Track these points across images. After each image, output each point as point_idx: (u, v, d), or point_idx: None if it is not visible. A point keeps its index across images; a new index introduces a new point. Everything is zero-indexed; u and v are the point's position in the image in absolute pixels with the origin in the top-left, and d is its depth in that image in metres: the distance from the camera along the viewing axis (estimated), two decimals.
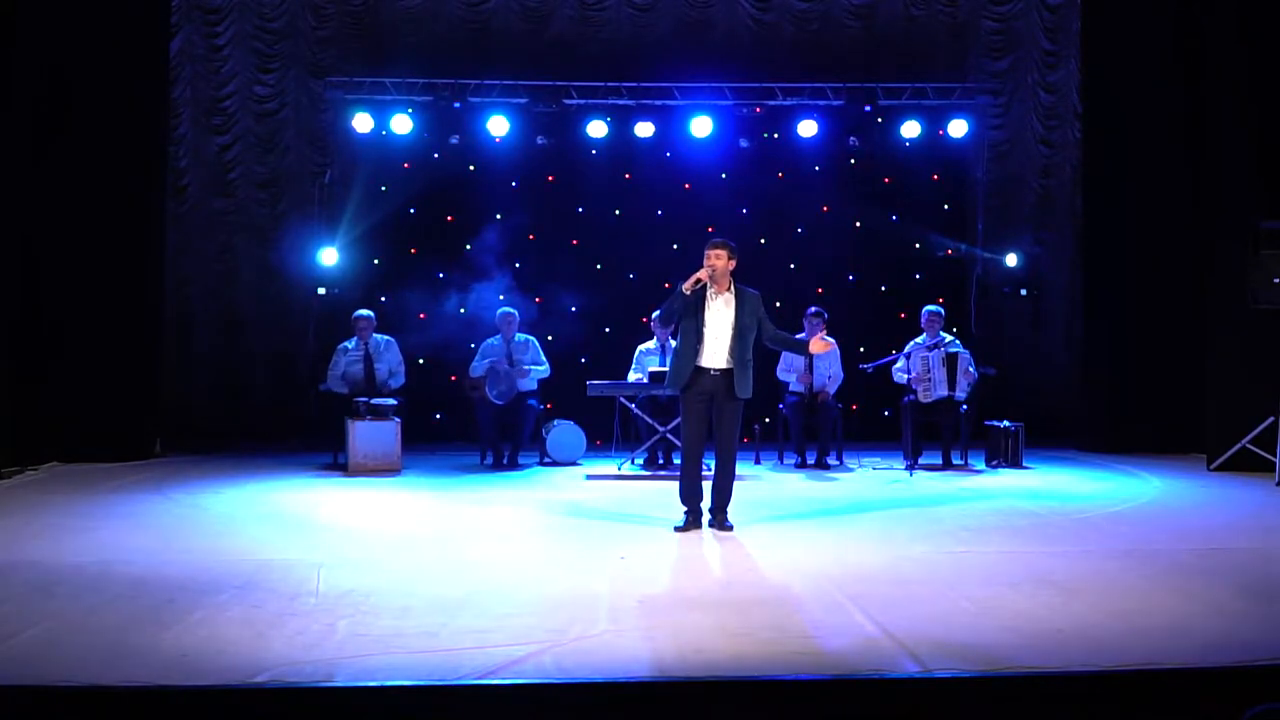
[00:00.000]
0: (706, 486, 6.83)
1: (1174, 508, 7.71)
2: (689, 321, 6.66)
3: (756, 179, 11.73)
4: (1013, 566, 5.67)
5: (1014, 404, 10.53)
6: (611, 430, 10.14)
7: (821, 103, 11.47)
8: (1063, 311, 12.04)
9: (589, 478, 9.10)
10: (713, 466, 6.84)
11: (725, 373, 6.66)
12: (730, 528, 6.68)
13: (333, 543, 6.30)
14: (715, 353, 6.65)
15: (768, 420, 10.58)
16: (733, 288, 6.72)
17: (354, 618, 4.60)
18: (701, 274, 6.60)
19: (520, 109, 11.31)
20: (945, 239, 11.85)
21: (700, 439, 6.77)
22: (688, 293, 6.58)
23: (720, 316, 6.66)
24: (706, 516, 6.80)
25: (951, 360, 9.46)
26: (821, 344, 7.27)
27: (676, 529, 6.73)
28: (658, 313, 6.92)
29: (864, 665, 4.04)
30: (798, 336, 9.91)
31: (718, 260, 6.64)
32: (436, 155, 11.48)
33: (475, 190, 11.54)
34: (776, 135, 11.66)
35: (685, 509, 6.81)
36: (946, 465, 9.61)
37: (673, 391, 6.91)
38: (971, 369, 9.52)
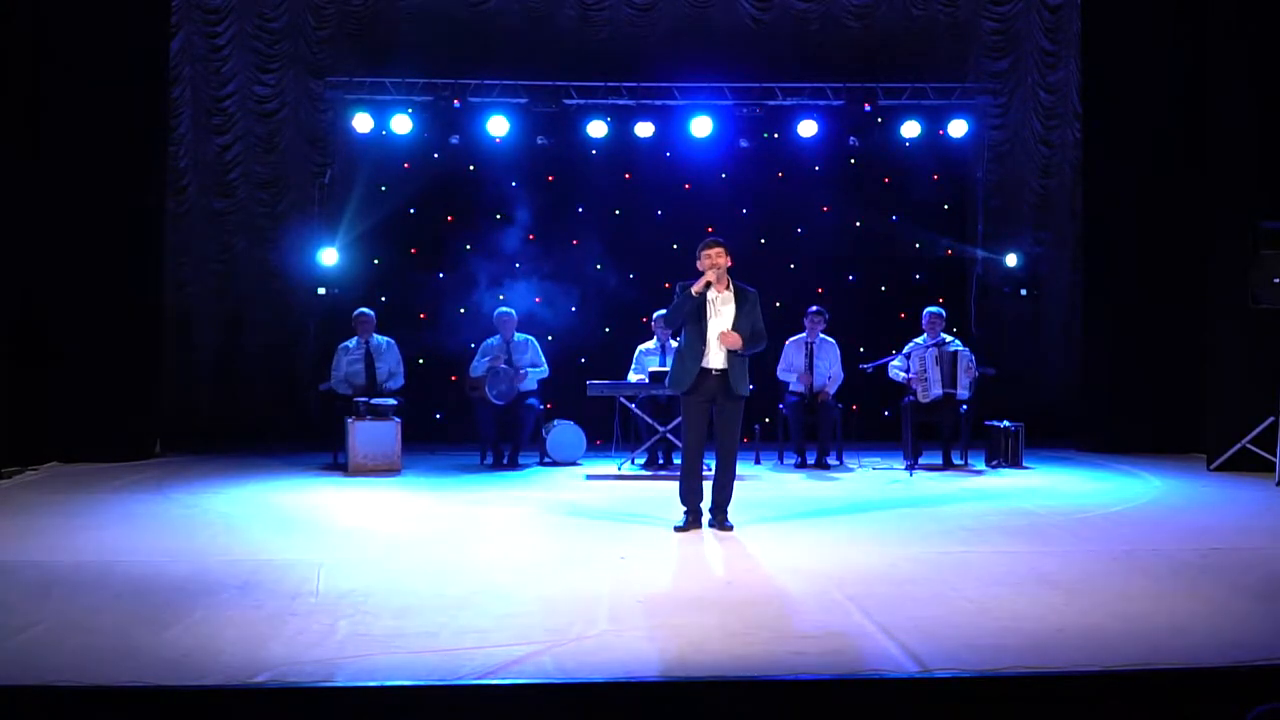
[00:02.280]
0: (706, 486, 6.83)
1: (1174, 508, 7.71)
2: (693, 323, 6.67)
3: (756, 179, 11.73)
4: (1013, 566, 5.67)
5: (1014, 404, 10.53)
6: (611, 430, 10.14)
7: (821, 103, 11.47)
8: (1063, 311, 12.04)
9: (589, 478, 9.10)
10: (713, 466, 6.84)
11: (725, 372, 6.68)
12: (730, 528, 6.68)
13: (333, 543, 6.30)
14: (718, 353, 6.67)
15: (768, 420, 10.58)
16: (731, 286, 6.73)
17: (354, 618, 4.60)
18: (710, 276, 6.60)
19: (520, 109, 11.31)
20: (945, 239, 11.85)
21: (702, 439, 6.78)
22: (695, 295, 6.59)
23: (723, 317, 6.67)
24: (707, 516, 6.81)
25: (951, 359, 9.46)
26: (730, 338, 6.65)
27: (676, 529, 6.73)
28: (661, 314, 6.89)
29: (864, 665, 4.04)
30: (797, 337, 10.00)
31: (721, 260, 6.65)
32: (436, 155, 11.48)
33: (475, 190, 11.53)
34: (776, 135, 11.66)
35: (685, 509, 6.81)
36: (946, 465, 9.61)
37: (676, 392, 6.92)
38: (973, 366, 9.51)
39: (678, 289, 6.72)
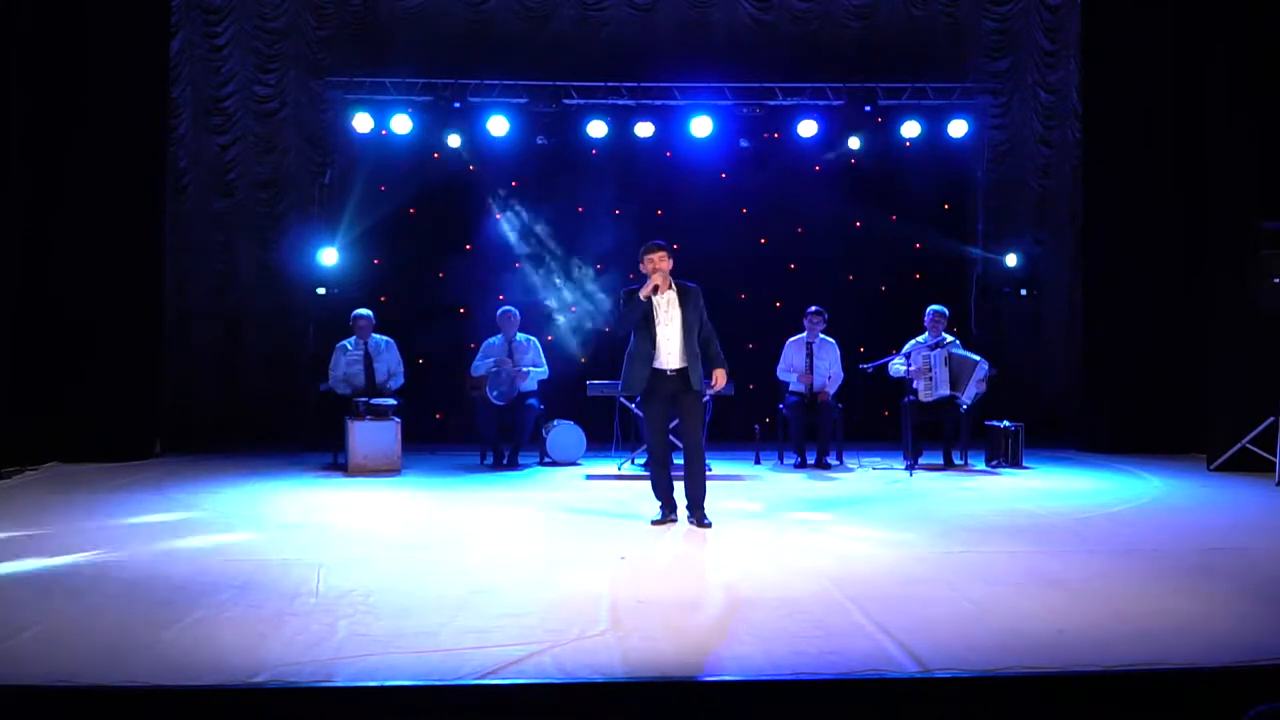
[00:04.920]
0: (680, 483, 6.89)
1: (1174, 508, 7.71)
2: (641, 327, 6.77)
3: (756, 179, 11.72)
4: (1013, 566, 5.67)
5: (1014, 404, 10.53)
6: (611, 430, 10.13)
7: (821, 103, 11.47)
8: (1063, 311, 12.04)
9: (589, 478, 9.10)
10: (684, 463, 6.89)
11: (681, 371, 6.77)
12: (709, 524, 6.71)
13: (333, 543, 6.30)
14: (670, 354, 6.77)
15: (768, 420, 10.57)
16: (673, 286, 6.81)
17: (354, 618, 4.60)
18: (657, 279, 6.69)
19: (520, 109, 11.31)
20: (945, 239, 11.84)
21: (664, 434, 6.94)
22: (644, 299, 6.69)
23: (670, 317, 6.77)
24: (684, 513, 6.86)
25: (957, 362, 9.46)
26: (722, 378, 6.92)
27: (653, 522, 6.83)
28: (622, 313, 6.92)
29: (864, 665, 4.03)
30: (797, 337, 9.99)
31: (664, 263, 6.73)
32: (436, 155, 11.48)
33: (475, 190, 11.53)
34: (776, 135, 11.65)
35: (660, 504, 6.92)
36: (947, 465, 9.61)
37: (629, 395, 7.00)
38: (984, 380, 9.49)
39: (621, 295, 6.83)
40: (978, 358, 9.56)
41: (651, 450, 7.02)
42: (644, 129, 11.33)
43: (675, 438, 7.54)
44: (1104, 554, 5.99)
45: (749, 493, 8.18)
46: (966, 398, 9.45)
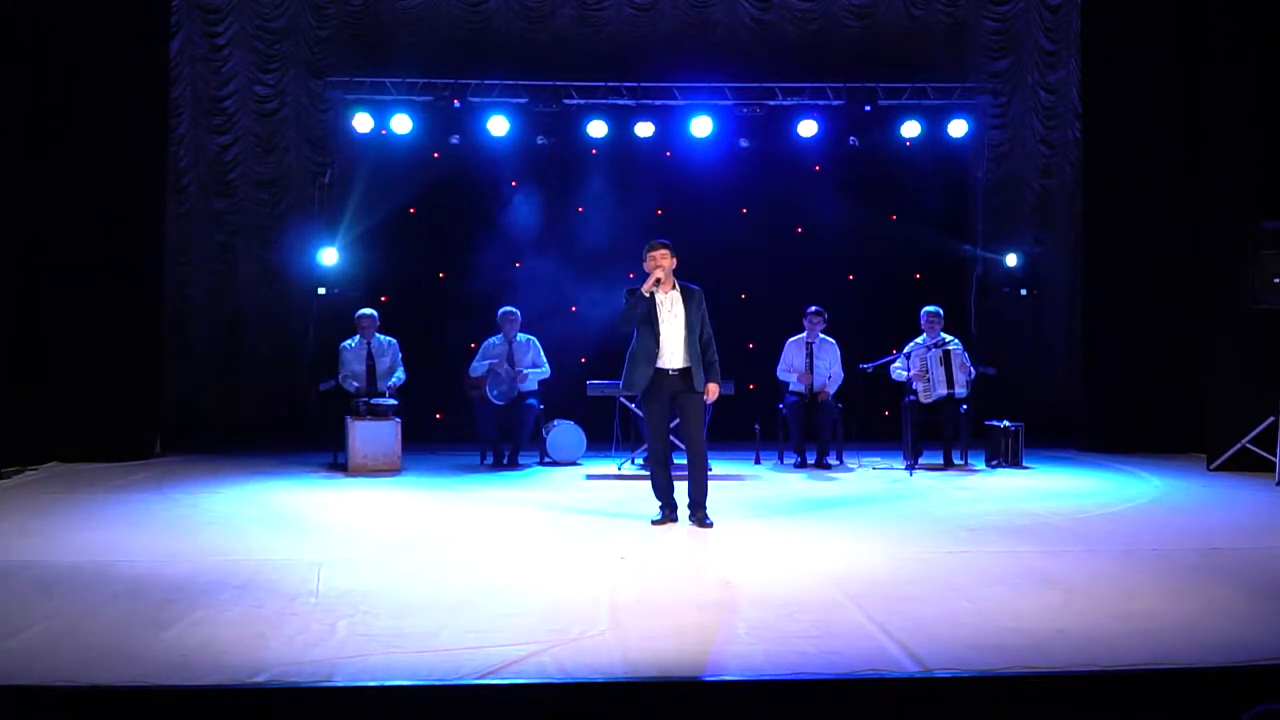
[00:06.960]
0: (681, 484, 6.90)
1: (1174, 508, 7.71)
2: (645, 325, 6.79)
3: (756, 179, 11.71)
4: (1013, 566, 5.67)
5: (1014, 404, 10.52)
6: (611, 430, 10.13)
7: (821, 103, 11.46)
8: (1063, 311, 12.04)
9: (589, 478, 9.10)
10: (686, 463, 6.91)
11: (684, 371, 6.79)
12: (710, 524, 6.72)
13: (333, 543, 6.30)
14: (673, 353, 6.79)
15: (768, 420, 10.56)
16: (677, 286, 6.84)
17: (354, 618, 4.60)
18: (658, 274, 6.72)
19: (520, 109, 11.30)
20: (945, 239, 11.84)
21: (664, 434, 6.96)
22: (647, 294, 6.71)
23: (673, 316, 6.80)
24: (685, 513, 6.87)
25: (948, 358, 9.46)
26: (715, 392, 6.92)
27: (654, 522, 6.84)
28: (625, 311, 6.94)
29: (864, 665, 4.04)
30: (797, 337, 9.99)
31: (666, 260, 6.76)
32: (436, 155, 11.47)
33: (475, 190, 11.53)
34: (776, 135, 11.65)
35: (660, 503, 6.92)
36: (947, 465, 9.60)
37: (630, 393, 7.00)
38: (968, 364, 9.52)
39: (625, 294, 6.86)
40: (955, 345, 9.55)
41: (652, 450, 7.04)
42: (644, 129, 11.32)
43: (676, 438, 7.54)
44: (1104, 554, 6.00)
45: (749, 493, 8.18)
46: (961, 389, 9.44)
